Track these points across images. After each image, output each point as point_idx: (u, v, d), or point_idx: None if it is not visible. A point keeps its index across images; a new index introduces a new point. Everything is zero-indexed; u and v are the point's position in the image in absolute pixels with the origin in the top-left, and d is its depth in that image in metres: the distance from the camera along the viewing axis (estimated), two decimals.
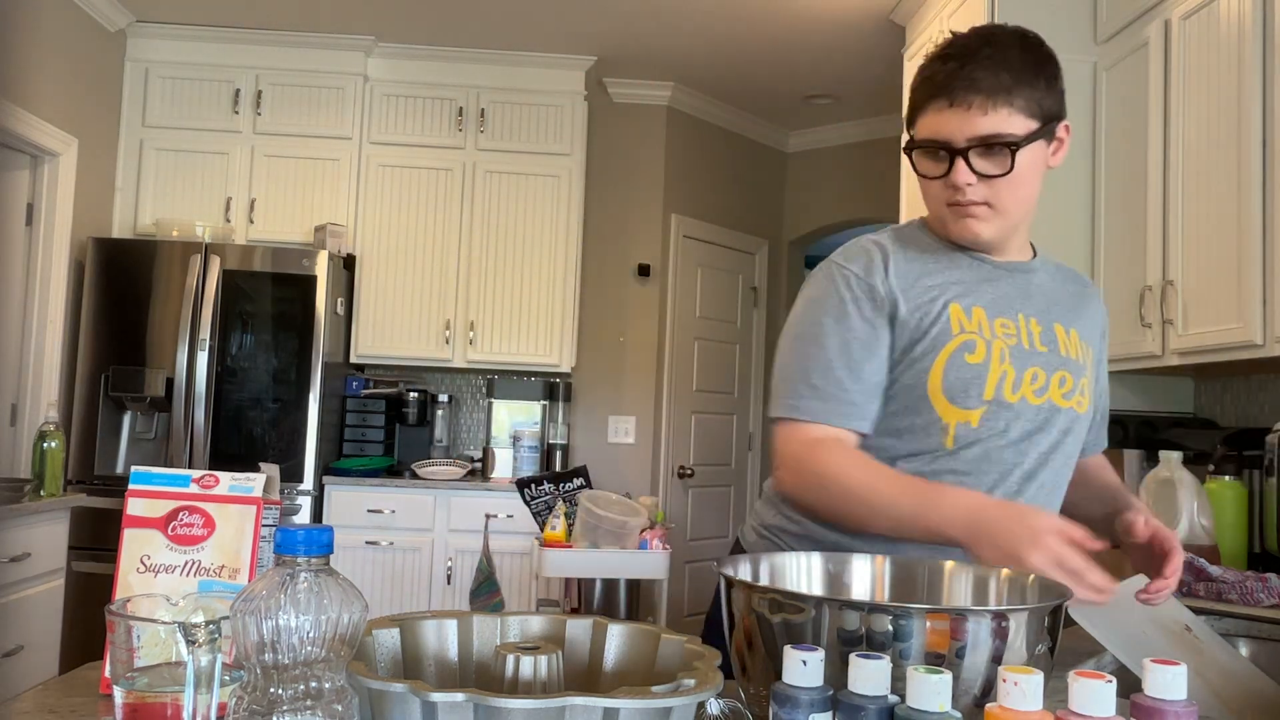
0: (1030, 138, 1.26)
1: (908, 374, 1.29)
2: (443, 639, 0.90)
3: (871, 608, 0.77)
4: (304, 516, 4.22)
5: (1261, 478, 2.38)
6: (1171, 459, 2.36)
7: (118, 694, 0.77)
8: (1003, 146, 1.25)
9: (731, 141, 5.56)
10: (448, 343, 4.74)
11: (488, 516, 4.25)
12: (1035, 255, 1.43)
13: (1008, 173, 1.26)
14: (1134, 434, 3.08)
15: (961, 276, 1.34)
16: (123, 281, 4.21)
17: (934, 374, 1.27)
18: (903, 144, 1.34)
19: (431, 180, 4.78)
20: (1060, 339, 1.35)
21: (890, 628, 0.76)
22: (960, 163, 1.26)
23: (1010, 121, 1.25)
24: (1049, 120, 1.29)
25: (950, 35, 1.32)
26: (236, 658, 0.70)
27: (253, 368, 4.25)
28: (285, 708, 0.67)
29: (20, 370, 4.04)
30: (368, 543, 4.34)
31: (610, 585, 3.07)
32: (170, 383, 4.15)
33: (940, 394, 1.27)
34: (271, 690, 0.67)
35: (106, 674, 0.97)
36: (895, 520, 1.20)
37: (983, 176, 1.26)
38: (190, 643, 0.72)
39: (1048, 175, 1.26)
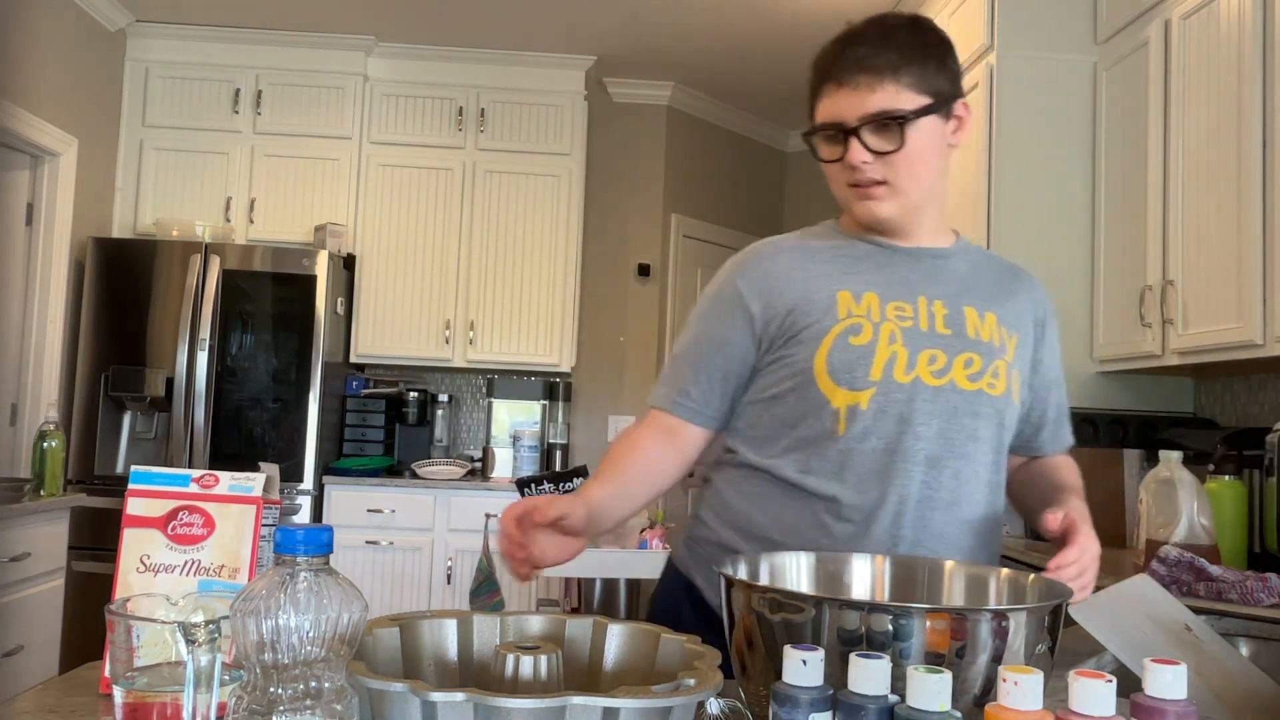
0: (920, 113, 1.26)
1: (796, 359, 1.30)
2: (443, 639, 0.90)
3: (871, 607, 0.77)
4: (304, 516, 4.22)
5: (1261, 478, 2.38)
6: (1171, 459, 2.36)
7: (118, 693, 0.77)
8: (893, 122, 1.26)
9: (731, 141, 5.56)
10: (448, 342, 4.74)
11: (488, 516, 4.25)
12: (957, 242, 1.42)
13: (900, 148, 1.26)
14: (1134, 434, 3.08)
15: (856, 265, 1.35)
16: (123, 281, 4.21)
17: (819, 357, 1.28)
18: (803, 132, 1.36)
19: (431, 180, 4.78)
20: (970, 321, 1.33)
21: (890, 627, 0.76)
22: (854, 142, 1.27)
23: (899, 97, 1.25)
24: (941, 98, 1.29)
25: (847, 24, 1.34)
26: (236, 658, 0.70)
27: (253, 367, 4.25)
28: (285, 707, 0.67)
29: (20, 370, 4.04)
30: (368, 542, 4.34)
31: (610, 585, 3.07)
32: (170, 382, 4.15)
33: (826, 376, 1.27)
34: (271, 690, 0.67)
35: (106, 674, 0.97)
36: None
37: (877, 154, 1.27)
38: (190, 642, 0.72)
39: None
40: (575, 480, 3.14)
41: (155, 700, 0.76)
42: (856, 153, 1.27)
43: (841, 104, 1.27)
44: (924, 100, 1.27)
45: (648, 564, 2.77)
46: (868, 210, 1.32)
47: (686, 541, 1.43)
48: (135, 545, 0.99)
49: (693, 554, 1.40)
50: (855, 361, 1.27)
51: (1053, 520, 1.21)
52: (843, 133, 1.28)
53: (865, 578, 1.04)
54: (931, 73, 1.28)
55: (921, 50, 1.28)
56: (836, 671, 0.74)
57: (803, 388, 1.29)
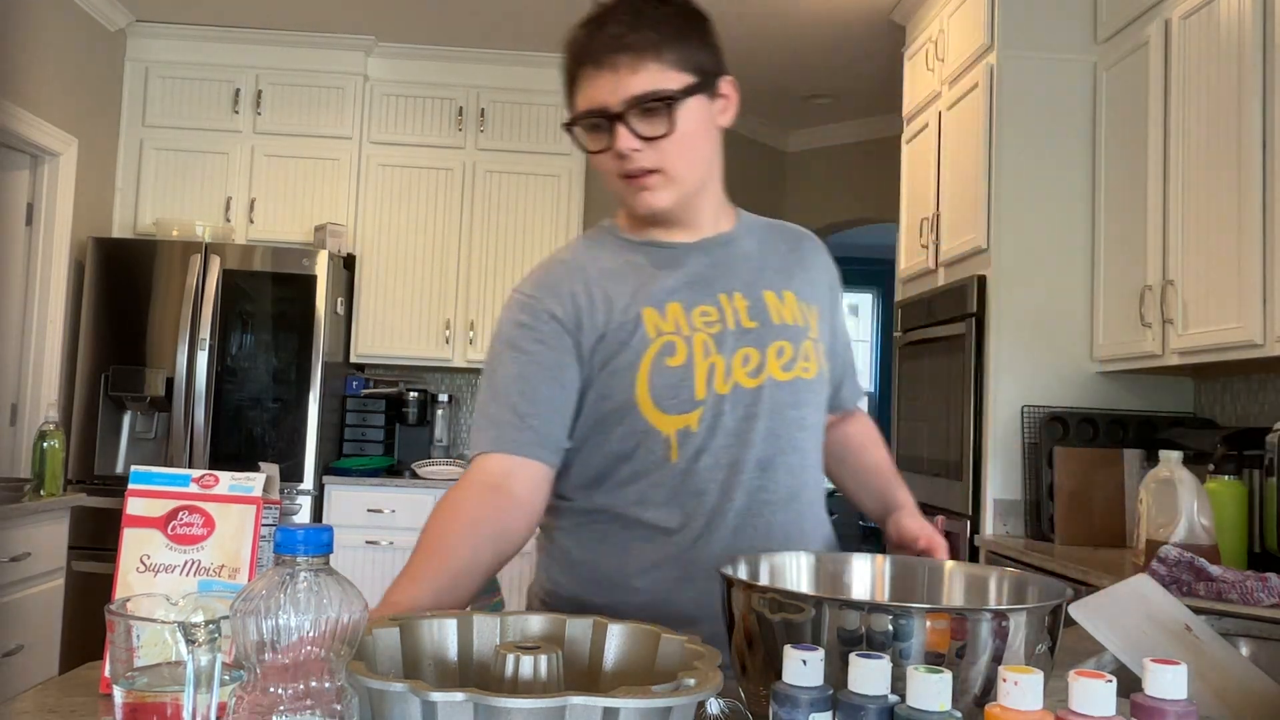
0: (687, 92, 1.19)
1: (614, 391, 1.22)
2: (442, 639, 0.90)
3: (871, 607, 0.77)
4: (304, 516, 4.22)
5: (1261, 478, 2.38)
6: (1171, 459, 2.36)
7: (118, 694, 0.77)
8: (660, 104, 1.17)
9: (731, 141, 5.52)
10: (448, 342, 4.74)
11: None
12: (739, 220, 1.36)
13: (670, 132, 1.19)
14: (1134, 434, 3.08)
15: (651, 273, 1.26)
16: (123, 281, 4.21)
17: (640, 385, 1.21)
18: (563, 121, 1.27)
19: (431, 180, 4.78)
20: (772, 307, 1.28)
21: (890, 627, 0.76)
22: (621, 128, 1.18)
23: (664, 77, 1.17)
24: (706, 76, 1.21)
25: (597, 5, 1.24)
26: (236, 657, 0.70)
27: (253, 367, 4.25)
28: (285, 708, 0.67)
29: (20, 370, 4.04)
30: (368, 542, 4.34)
31: None
32: (170, 382, 4.15)
33: (650, 405, 1.21)
34: (271, 690, 0.67)
35: (106, 674, 0.97)
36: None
37: (646, 140, 1.19)
38: (190, 642, 0.71)
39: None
40: None
41: (155, 700, 0.76)
42: (624, 140, 1.19)
43: (602, 88, 1.18)
44: (689, 79, 1.19)
45: None
46: (644, 202, 1.24)
47: (540, 599, 1.33)
48: (135, 545, 0.99)
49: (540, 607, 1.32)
50: (677, 384, 1.21)
51: (912, 535, 1.25)
52: (607, 119, 1.19)
53: (865, 577, 1.04)
54: (694, 49, 1.21)
55: (681, 26, 1.21)
56: (836, 671, 0.74)
57: (629, 420, 1.22)
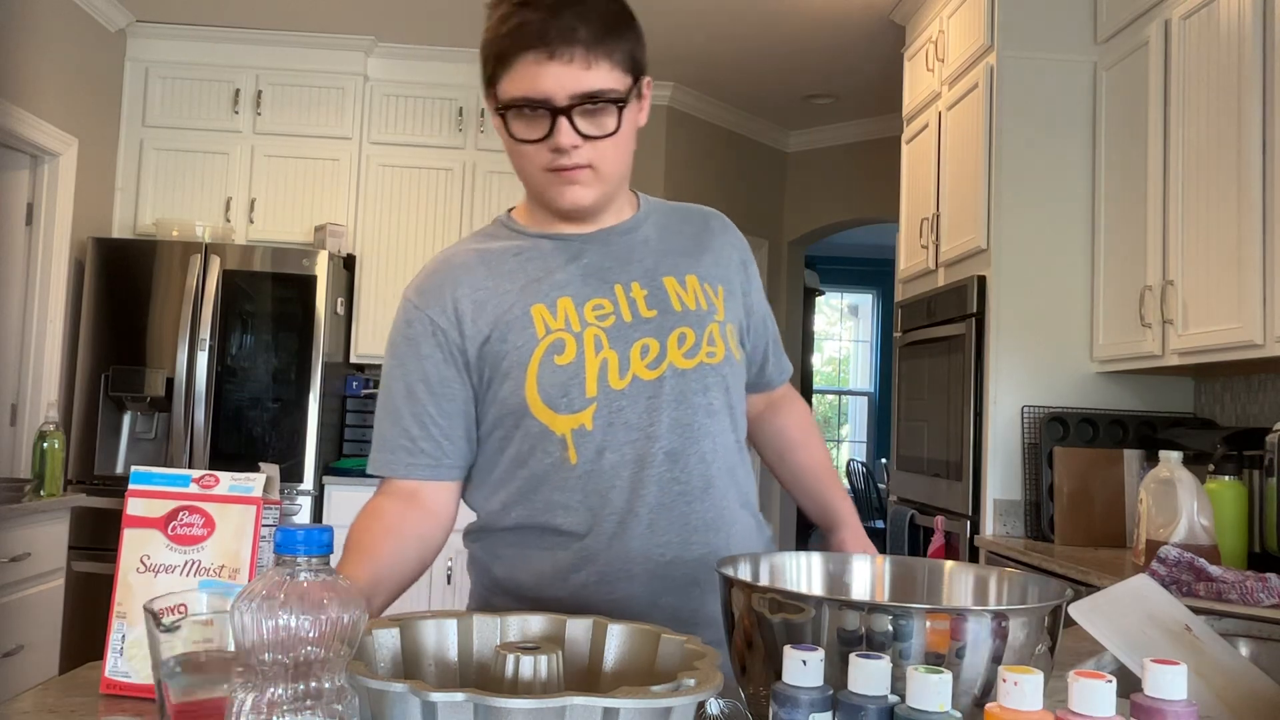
0: (629, 93, 1.18)
1: (505, 394, 1.20)
2: (443, 639, 0.90)
3: (871, 608, 0.77)
4: (304, 516, 4.22)
5: (1261, 478, 2.38)
6: (1171, 459, 2.36)
7: (172, 693, 0.77)
8: (609, 104, 1.15)
9: (731, 141, 5.56)
10: None
11: None
12: (641, 207, 1.33)
13: (616, 132, 1.17)
14: (1134, 434, 3.08)
15: (545, 267, 1.24)
16: (123, 281, 4.21)
17: (529, 386, 1.18)
18: (491, 106, 1.21)
19: (431, 180, 4.78)
20: (672, 293, 1.25)
21: (890, 628, 0.76)
22: (564, 123, 1.14)
23: (612, 76, 1.15)
24: (639, 75, 1.20)
25: None
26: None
27: (253, 368, 4.25)
28: (285, 708, 0.67)
29: (20, 370, 4.04)
30: None
31: None
32: (170, 383, 4.15)
33: (541, 405, 1.18)
34: (271, 690, 0.67)
35: (107, 674, 0.97)
36: None
37: (587, 137, 1.16)
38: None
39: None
40: None
41: (206, 698, 0.77)
42: (566, 136, 1.15)
43: (549, 77, 1.13)
44: (630, 80, 1.18)
45: None
46: (571, 196, 1.20)
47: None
48: (135, 545, 0.99)
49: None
50: (567, 383, 1.19)
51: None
52: (549, 111, 1.14)
53: (865, 578, 1.04)
54: (634, 47, 1.19)
55: (625, 23, 1.18)
56: (836, 672, 0.74)
57: (522, 422, 1.20)
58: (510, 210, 1.34)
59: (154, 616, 0.79)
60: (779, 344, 1.46)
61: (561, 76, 1.13)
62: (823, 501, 1.44)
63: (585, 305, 1.22)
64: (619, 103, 1.16)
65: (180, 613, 0.82)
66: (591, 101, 1.15)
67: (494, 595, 1.28)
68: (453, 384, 1.23)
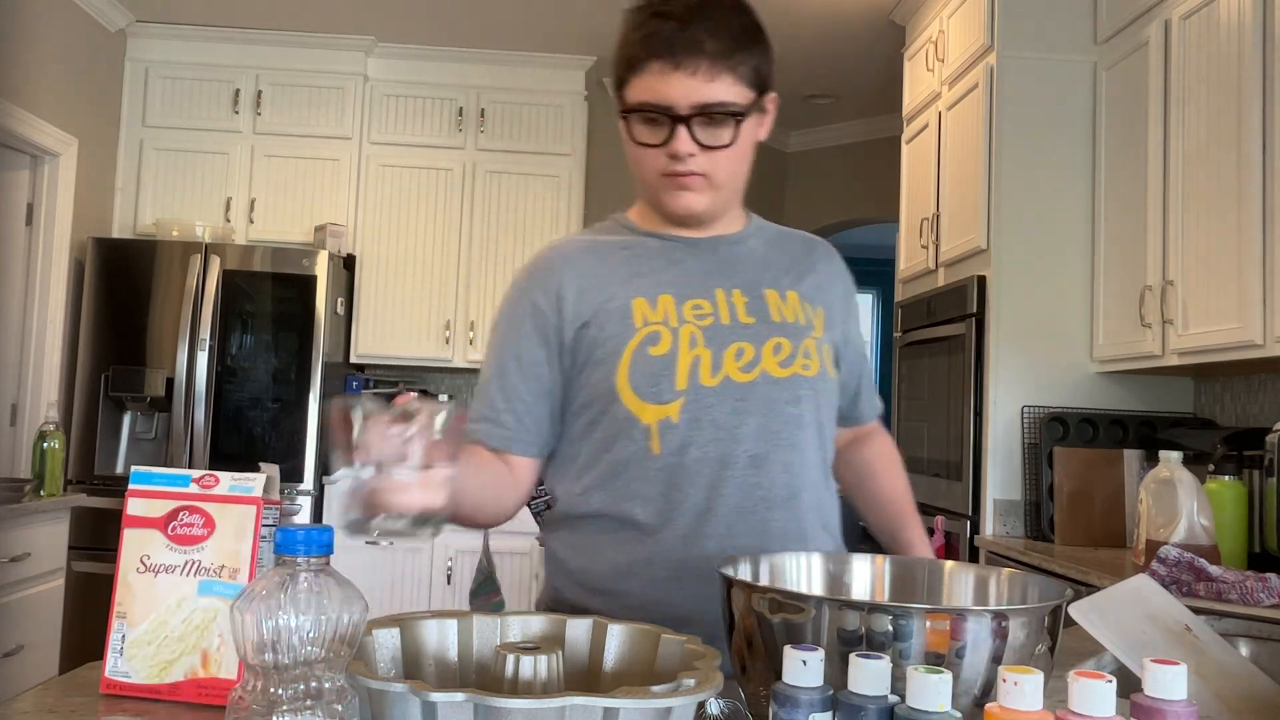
0: (751, 107, 1.21)
1: (597, 379, 1.23)
2: (443, 639, 0.90)
3: (871, 608, 0.77)
4: (304, 517, 4.22)
5: (1261, 478, 2.38)
6: (1171, 459, 2.36)
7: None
8: (727, 116, 1.19)
9: None
10: (448, 343, 4.74)
11: None
12: (749, 224, 1.37)
13: (731, 144, 1.21)
14: (1134, 434, 3.08)
15: (649, 264, 1.28)
16: (123, 281, 4.21)
17: (621, 373, 1.21)
18: (617, 108, 1.26)
19: (431, 180, 4.78)
20: (772, 305, 1.28)
21: (890, 628, 0.76)
22: (682, 131, 1.18)
23: (734, 90, 1.19)
24: (763, 89, 1.24)
25: None
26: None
27: (253, 368, 4.25)
28: (285, 708, 0.67)
29: (20, 370, 4.04)
30: (368, 543, 4.34)
31: None
32: (170, 383, 4.15)
33: (631, 393, 1.21)
34: (271, 690, 0.67)
35: (107, 674, 0.97)
36: None
37: (704, 147, 1.20)
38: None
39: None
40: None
41: None
42: (684, 143, 1.19)
43: (674, 86, 1.17)
44: (753, 95, 1.21)
45: None
46: (683, 202, 1.25)
47: (548, 606, 1.34)
48: (135, 545, 0.99)
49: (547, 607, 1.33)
50: (658, 374, 1.21)
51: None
52: (670, 118, 1.19)
53: (865, 578, 1.04)
54: (761, 62, 1.22)
55: (755, 38, 1.22)
56: (836, 672, 0.74)
57: (610, 408, 1.22)
58: (626, 210, 1.38)
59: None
60: (871, 383, 1.47)
61: (685, 86, 1.17)
62: (897, 533, 1.43)
63: (685, 304, 1.25)
64: (738, 116, 1.20)
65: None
66: (711, 113, 1.18)
67: (567, 588, 1.29)
68: (541, 366, 1.27)
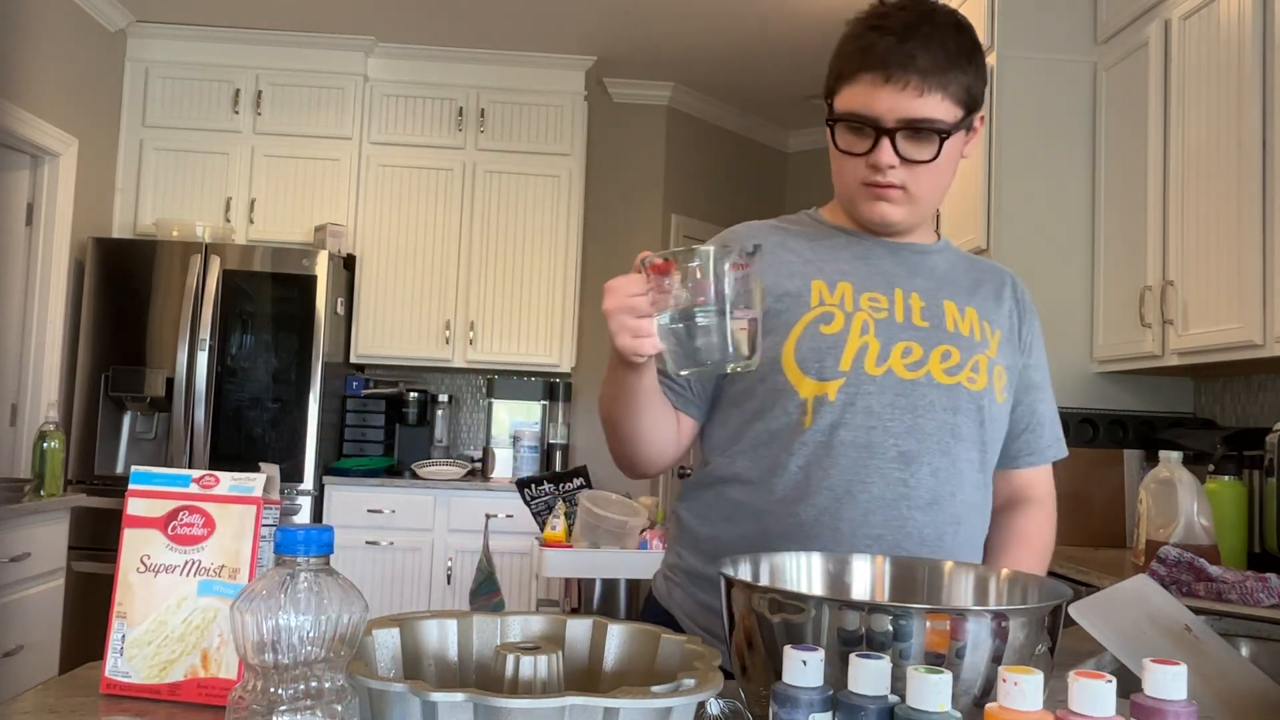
0: (957, 125, 1.22)
1: (766, 347, 1.21)
2: (443, 639, 0.90)
3: (871, 608, 0.77)
4: (304, 516, 4.22)
5: (1261, 478, 2.38)
6: (1171, 459, 2.36)
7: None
8: (931, 132, 1.20)
9: (731, 141, 5.56)
10: (448, 343, 4.74)
11: (488, 516, 4.25)
12: (940, 241, 1.38)
13: (933, 159, 1.22)
14: (1134, 434, 3.08)
15: (833, 254, 1.31)
16: (123, 281, 4.21)
17: (788, 345, 1.23)
18: (826, 114, 1.29)
19: (431, 180, 4.78)
20: (949, 314, 1.28)
21: (890, 628, 0.76)
22: (886, 143, 1.21)
23: (942, 107, 1.20)
24: (973, 109, 1.25)
25: (882, 3, 1.26)
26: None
27: (253, 368, 4.25)
28: (285, 707, 0.67)
29: (20, 370, 4.04)
30: (368, 543, 4.34)
31: (610, 585, 3.07)
32: (170, 383, 4.15)
33: (794, 365, 1.22)
34: (271, 690, 0.67)
35: (107, 674, 0.97)
36: (615, 385, 1.23)
37: (906, 160, 1.22)
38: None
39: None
40: (575, 480, 3.14)
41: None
42: (886, 155, 1.21)
43: (882, 99, 1.20)
44: (960, 113, 1.22)
45: (647, 564, 2.77)
46: (880, 212, 1.27)
47: (663, 574, 1.38)
48: (135, 545, 0.99)
49: (669, 586, 1.35)
50: (825, 350, 1.22)
51: None
52: (874, 129, 1.21)
53: (865, 578, 1.04)
54: (971, 79, 1.23)
55: (968, 58, 1.23)
56: (836, 672, 0.74)
57: (770, 377, 1.23)
58: (817, 208, 1.40)
59: None
60: (1045, 426, 1.40)
61: (893, 100, 1.19)
62: None
63: (863, 294, 1.27)
64: (943, 133, 1.21)
65: None
66: (917, 128, 1.20)
67: (690, 557, 1.31)
68: None
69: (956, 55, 1.21)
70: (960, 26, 1.24)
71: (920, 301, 1.28)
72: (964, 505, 1.25)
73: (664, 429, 1.29)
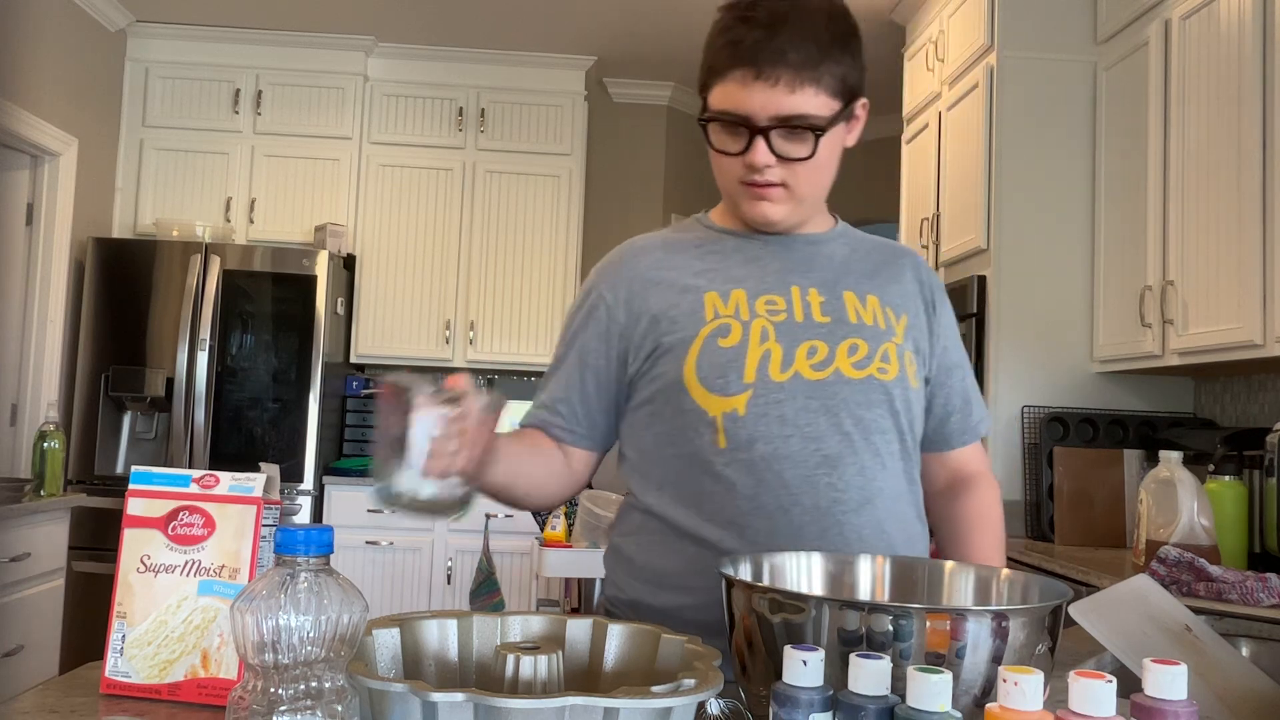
0: (834, 120, 1.18)
1: (664, 369, 1.21)
2: (443, 639, 0.90)
3: (871, 608, 0.77)
4: (304, 516, 4.22)
5: (1261, 478, 2.38)
6: (1171, 459, 2.36)
7: None
8: (806, 129, 1.16)
9: None
10: (448, 343, 4.74)
11: (488, 516, 4.25)
12: (835, 227, 1.33)
13: (810, 156, 1.17)
14: (1134, 434, 3.08)
15: (723, 261, 1.26)
16: (123, 281, 4.21)
17: (688, 364, 1.19)
18: (699, 110, 1.24)
19: (431, 180, 4.78)
20: (850, 306, 1.24)
21: (890, 628, 0.76)
22: (760, 142, 1.16)
23: (815, 102, 1.15)
24: (851, 99, 1.20)
25: None
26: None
27: (253, 368, 4.25)
28: (285, 708, 0.67)
29: (20, 370, 4.04)
30: (368, 543, 4.34)
31: None
32: (170, 383, 4.15)
33: (697, 383, 1.18)
34: (271, 690, 0.67)
35: (107, 674, 0.97)
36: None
37: (782, 159, 1.17)
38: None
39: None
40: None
41: None
42: (762, 155, 1.17)
43: (754, 97, 1.15)
44: (837, 105, 1.18)
45: None
46: (760, 211, 1.23)
47: (604, 608, 1.32)
48: (135, 545, 0.99)
49: (611, 618, 1.34)
50: (726, 365, 1.18)
51: None
52: (748, 128, 1.16)
53: (866, 578, 1.04)
54: (849, 70, 1.18)
55: (843, 47, 1.18)
56: (836, 672, 0.74)
57: (676, 400, 1.20)
58: (708, 210, 1.37)
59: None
60: (970, 402, 1.37)
61: (765, 97, 1.15)
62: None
63: (758, 299, 1.23)
64: (818, 129, 1.16)
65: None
66: (791, 125, 1.16)
67: (631, 586, 1.27)
68: (601, 359, 1.27)
69: (829, 46, 1.16)
70: (833, 14, 1.20)
71: (819, 296, 1.24)
72: (894, 498, 1.23)
73: (545, 480, 1.27)
